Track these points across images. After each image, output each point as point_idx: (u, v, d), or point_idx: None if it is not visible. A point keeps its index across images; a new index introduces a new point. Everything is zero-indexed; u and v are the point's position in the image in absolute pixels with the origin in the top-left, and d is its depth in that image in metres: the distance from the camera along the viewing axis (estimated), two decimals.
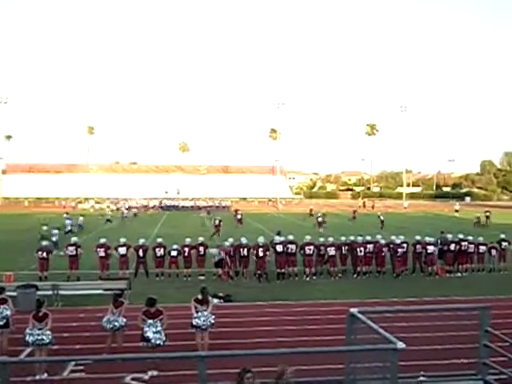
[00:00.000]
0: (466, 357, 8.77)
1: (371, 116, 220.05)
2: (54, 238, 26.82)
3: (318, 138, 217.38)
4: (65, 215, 38.95)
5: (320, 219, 40.42)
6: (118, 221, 47.49)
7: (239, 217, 43.28)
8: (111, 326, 11.01)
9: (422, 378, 8.00)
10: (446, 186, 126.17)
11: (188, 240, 20.50)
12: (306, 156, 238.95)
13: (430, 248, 20.73)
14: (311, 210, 47.38)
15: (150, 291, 13.99)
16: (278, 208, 72.20)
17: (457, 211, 58.43)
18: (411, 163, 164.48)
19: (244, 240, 20.28)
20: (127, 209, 60.42)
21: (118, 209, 65.77)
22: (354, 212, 50.41)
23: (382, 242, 20.90)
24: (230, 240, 20.42)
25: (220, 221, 36.65)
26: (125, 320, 11.16)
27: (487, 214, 44.70)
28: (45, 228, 31.01)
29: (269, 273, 19.53)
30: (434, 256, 20.80)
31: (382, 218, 42.58)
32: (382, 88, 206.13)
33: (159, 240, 20.45)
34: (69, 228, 35.29)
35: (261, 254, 19.46)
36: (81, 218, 39.68)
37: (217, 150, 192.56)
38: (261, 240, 20.07)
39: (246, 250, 19.75)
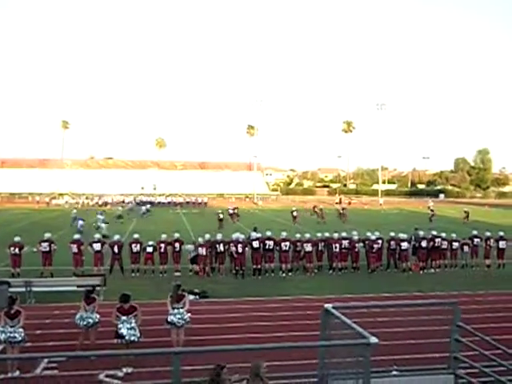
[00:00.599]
0: (438, 351, 8.92)
1: (348, 113, 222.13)
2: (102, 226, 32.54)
3: (295, 134, 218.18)
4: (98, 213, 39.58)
5: (295, 213, 41.68)
6: (136, 217, 46.38)
7: (230, 211, 43.82)
8: (85, 322, 10.89)
9: (394, 372, 8.13)
10: (421, 183, 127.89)
11: (164, 236, 20.41)
12: (283, 153, 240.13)
13: (404, 244, 21.03)
14: (315, 206, 47.72)
15: (126, 288, 13.85)
16: (258, 204, 72.06)
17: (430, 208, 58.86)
18: (387, 160, 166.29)
19: (219, 236, 20.26)
20: (142, 204, 57.84)
21: (101, 204, 64.69)
22: (343, 209, 50.03)
23: (355, 238, 21.08)
24: (207, 236, 20.39)
25: (222, 213, 38.21)
26: (98, 316, 11.06)
27: (466, 213, 45.38)
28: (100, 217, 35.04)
29: (245, 269, 19.53)
30: (407, 252, 21.10)
31: (340, 210, 45.79)
32: (359, 86, 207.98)
33: (136, 236, 20.31)
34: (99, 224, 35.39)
35: (240, 250, 19.50)
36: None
37: (194, 146, 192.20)
38: (240, 236, 20.12)
39: (222, 245, 19.76)
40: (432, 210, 45.95)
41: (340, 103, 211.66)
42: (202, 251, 19.51)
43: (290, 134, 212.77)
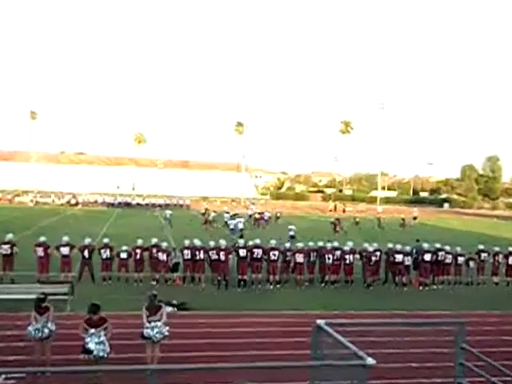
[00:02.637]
0: (440, 375, 8.93)
1: (346, 113, 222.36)
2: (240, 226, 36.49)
3: (288, 134, 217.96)
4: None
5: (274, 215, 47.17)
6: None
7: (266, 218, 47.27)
8: (40, 334, 10.62)
9: None
10: (424, 190, 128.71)
11: (140, 241, 20.34)
12: (274, 153, 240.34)
13: (405, 257, 21.06)
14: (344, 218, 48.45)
15: (96, 297, 13.76)
16: (251, 209, 71.04)
17: (415, 218, 57.53)
18: (387, 165, 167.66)
19: (198, 242, 20.27)
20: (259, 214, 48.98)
21: (73, 204, 64.09)
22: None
23: (346, 248, 21.11)
24: (186, 242, 20.30)
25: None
26: (54, 327, 10.83)
27: (403, 220, 49.69)
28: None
29: (229, 279, 19.53)
30: (407, 266, 21.15)
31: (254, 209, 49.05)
32: (358, 83, 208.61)
33: (105, 240, 20.28)
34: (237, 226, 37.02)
35: (222, 257, 19.46)
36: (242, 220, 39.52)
37: (176, 143, 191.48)
38: (222, 242, 20.11)
39: (202, 253, 19.72)
40: (403, 219, 49.82)
41: (337, 102, 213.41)
42: (186, 257, 19.55)
43: (281, 134, 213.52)
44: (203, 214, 44.44)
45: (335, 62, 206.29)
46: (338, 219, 44.83)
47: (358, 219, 49.66)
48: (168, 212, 44.64)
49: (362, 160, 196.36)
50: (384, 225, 48.06)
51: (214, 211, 47.94)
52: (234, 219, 39.46)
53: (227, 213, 44.75)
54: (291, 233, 32.60)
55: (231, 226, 37.83)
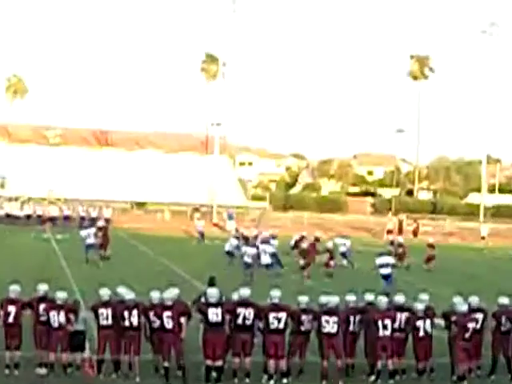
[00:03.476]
0: None
1: (418, 44, 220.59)
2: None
3: (303, 84, 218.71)
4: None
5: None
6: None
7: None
8: None
9: None
10: None
11: (15, 289, 20.11)
12: (279, 121, 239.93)
13: None
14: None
15: None
16: (223, 228, 71.54)
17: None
18: (497, 146, 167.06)
19: (129, 294, 20.15)
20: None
21: None
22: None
23: (419, 307, 20.87)
24: (104, 293, 20.05)
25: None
26: None
27: (416, 223, 53.82)
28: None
29: (188, 367, 19.33)
30: None
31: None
32: None
33: None
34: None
35: (169, 323, 19.16)
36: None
37: (85, 97, 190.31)
38: (168, 295, 19.87)
39: (135, 314, 19.54)
40: (431, 246, 48.65)
41: (400, 22, 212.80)
42: (104, 321, 19.54)
43: (291, 83, 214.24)
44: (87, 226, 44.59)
45: None
46: (329, 251, 43.35)
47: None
48: (90, 232, 44.58)
49: (449, 134, 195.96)
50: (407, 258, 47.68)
51: (245, 237, 47.33)
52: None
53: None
54: (343, 248, 36.93)
55: (246, 259, 38.41)
